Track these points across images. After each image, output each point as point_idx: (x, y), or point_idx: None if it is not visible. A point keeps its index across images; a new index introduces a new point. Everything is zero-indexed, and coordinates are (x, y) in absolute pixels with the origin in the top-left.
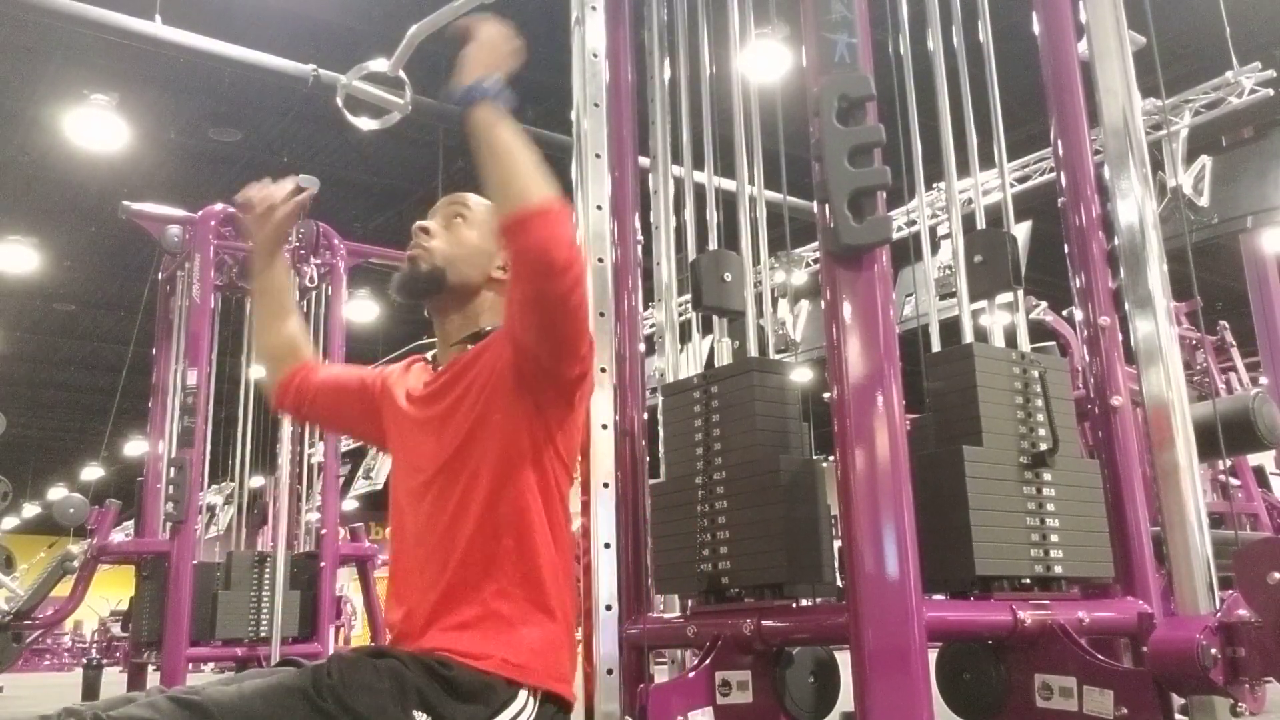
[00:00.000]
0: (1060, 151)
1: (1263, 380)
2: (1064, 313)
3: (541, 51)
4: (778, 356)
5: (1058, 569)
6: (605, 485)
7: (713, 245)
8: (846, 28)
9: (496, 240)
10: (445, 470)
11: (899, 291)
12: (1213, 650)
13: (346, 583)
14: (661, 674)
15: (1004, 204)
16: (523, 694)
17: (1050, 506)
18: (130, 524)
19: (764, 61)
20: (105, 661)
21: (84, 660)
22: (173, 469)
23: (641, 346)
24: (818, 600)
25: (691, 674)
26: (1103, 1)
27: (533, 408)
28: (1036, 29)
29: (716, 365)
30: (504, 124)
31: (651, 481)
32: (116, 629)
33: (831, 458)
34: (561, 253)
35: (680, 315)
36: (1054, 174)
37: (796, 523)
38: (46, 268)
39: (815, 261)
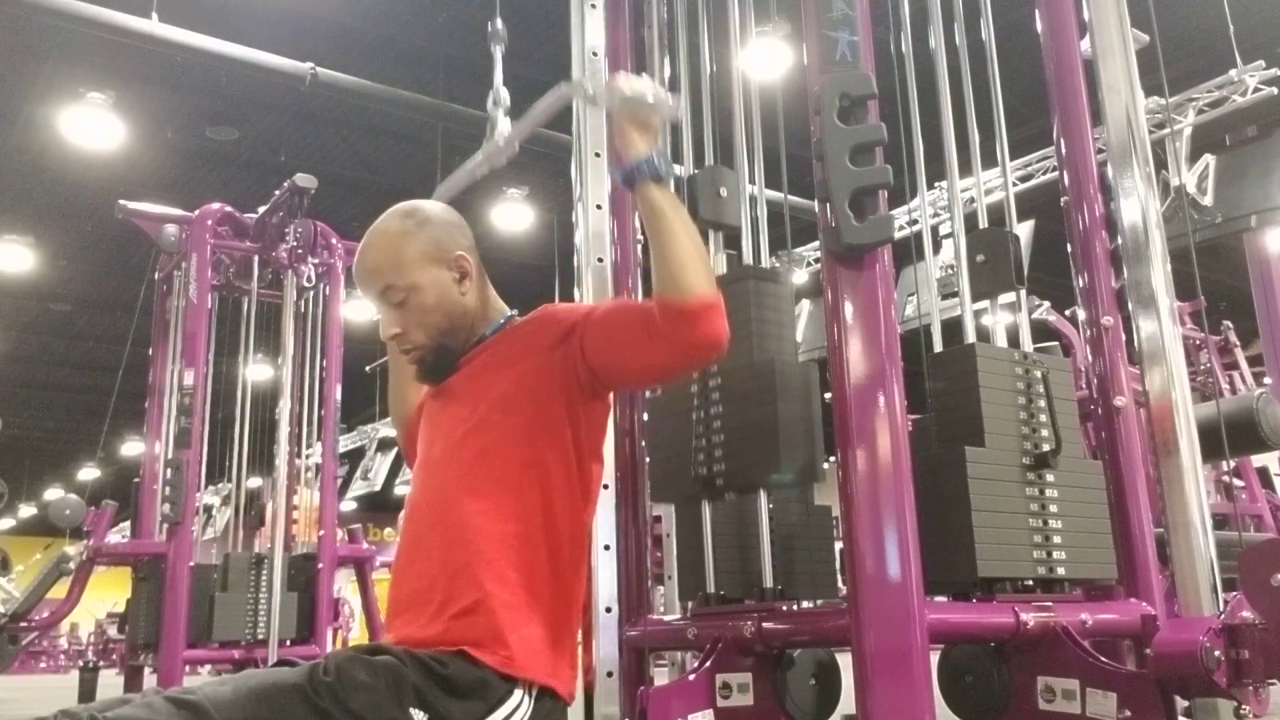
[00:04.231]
0: (1063, 150)
1: (1267, 381)
2: (1067, 312)
3: (541, 49)
4: None
5: (1060, 570)
6: (605, 486)
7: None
8: (848, 25)
9: (438, 256)
10: (459, 446)
11: (901, 291)
12: (1216, 652)
13: (344, 584)
14: (661, 676)
15: (1006, 203)
16: (518, 691)
17: (1053, 508)
18: (127, 525)
19: (765, 59)
20: (102, 664)
21: (80, 663)
22: (169, 470)
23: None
24: (819, 602)
25: (692, 676)
26: None
27: (566, 399)
28: (1039, 27)
29: None
30: (673, 204)
31: (648, 394)
32: (113, 631)
33: (833, 458)
34: (720, 347)
35: None
36: (1057, 173)
37: (791, 421)
38: (42, 267)
39: (816, 261)
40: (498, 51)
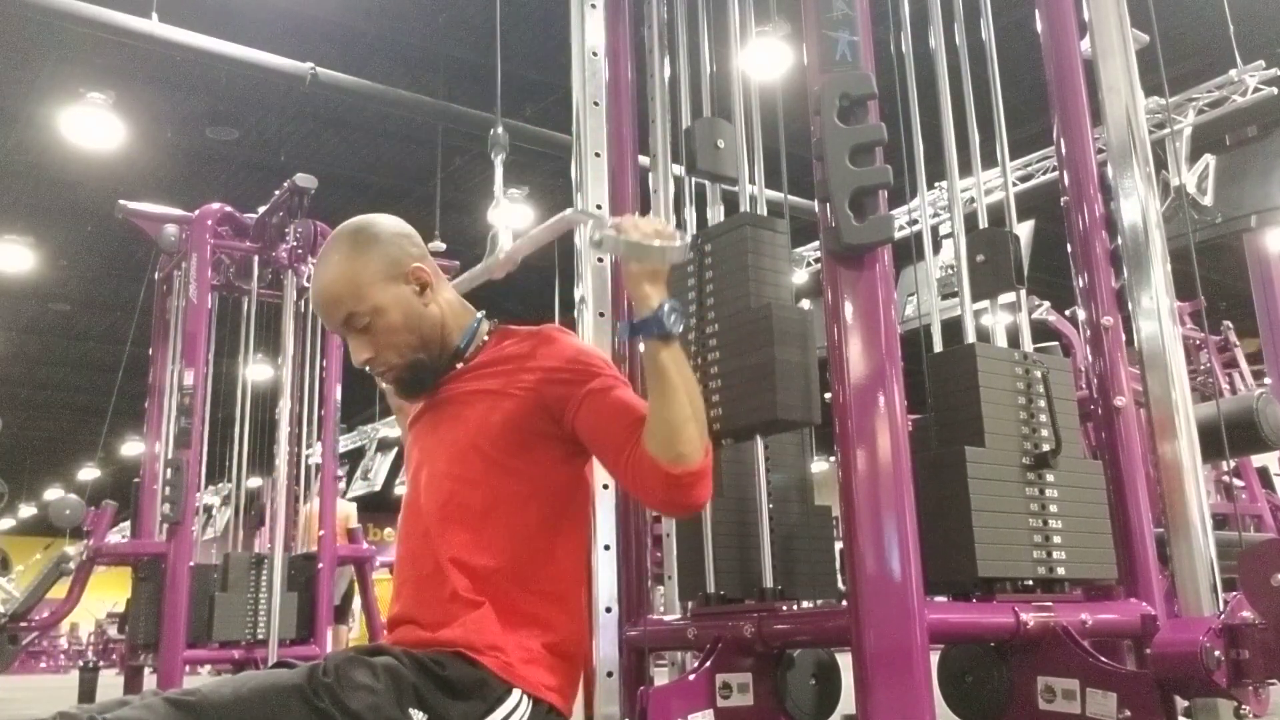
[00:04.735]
0: (1063, 150)
1: (1266, 380)
2: (1067, 313)
3: (541, 49)
4: None
5: (1060, 570)
6: (605, 487)
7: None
8: (848, 25)
9: (394, 273)
10: (444, 475)
11: (901, 291)
12: (1216, 652)
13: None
14: (661, 676)
15: (1006, 203)
16: (516, 691)
17: (1053, 508)
18: (127, 525)
19: (765, 59)
20: (102, 664)
21: (80, 663)
22: (169, 470)
23: (642, 346)
24: (819, 602)
25: (692, 676)
26: None
27: (556, 432)
28: (1039, 27)
29: None
30: (677, 363)
31: None
32: (113, 631)
33: (833, 458)
34: (696, 510)
35: None
36: (1057, 173)
37: (788, 366)
38: (42, 267)
39: (816, 261)
40: (499, 161)
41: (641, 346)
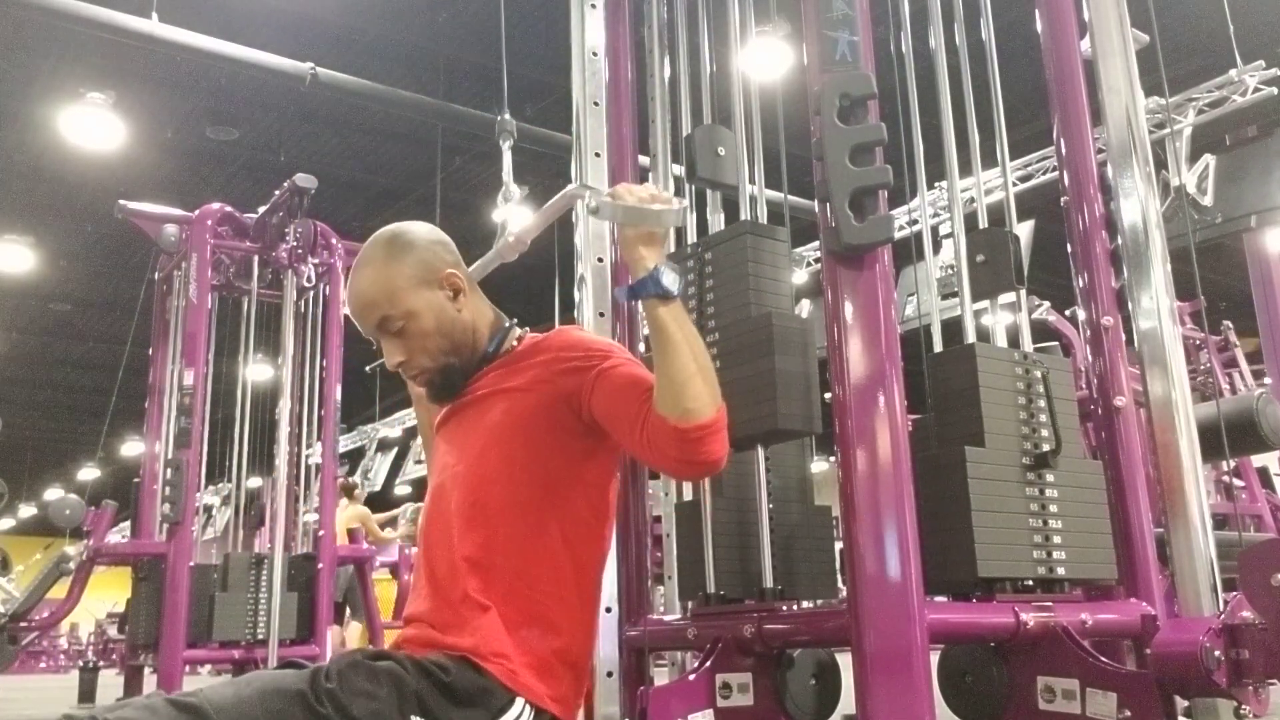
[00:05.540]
0: (1063, 150)
1: (1267, 380)
2: (1067, 313)
3: (541, 49)
4: None
5: (1060, 570)
6: None
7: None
8: (848, 25)
9: (428, 278)
10: (465, 476)
11: (901, 291)
12: (1216, 652)
13: None
14: (661, 676)
15: (1006, 203)
16: (520, 700)
17: (1053, 508)
18: (127, 525)
19: (765, 59)
20: (102, 664)
21: (80, 663)
22: (169, 470)
23: (642, 347)
24: (819, 602)
25: (692, 676)
26: None
27: (576, 429)
28: (1039, 27)
29: None
30: (678, 320)
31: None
32: (113, 631)
33: (833, 458)
34: (714, 467)
35: None
36: (1057, 173)
37: (789, 375)
38: (42, 267)
39: (816, 261)
40: (507, 146)
41: (642, 310)
